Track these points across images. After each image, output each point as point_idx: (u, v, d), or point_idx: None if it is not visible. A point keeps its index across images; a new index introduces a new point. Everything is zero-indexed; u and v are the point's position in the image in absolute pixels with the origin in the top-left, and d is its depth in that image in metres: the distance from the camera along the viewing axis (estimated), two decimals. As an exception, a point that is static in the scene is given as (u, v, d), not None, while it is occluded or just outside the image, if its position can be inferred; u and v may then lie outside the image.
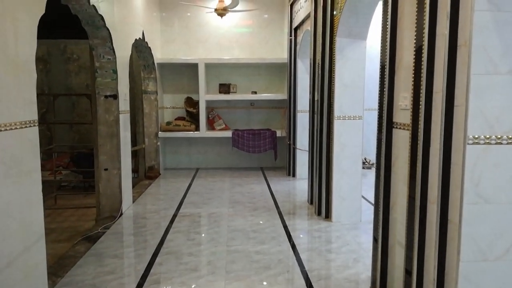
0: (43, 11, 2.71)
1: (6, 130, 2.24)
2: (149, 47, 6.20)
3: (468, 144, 1.89)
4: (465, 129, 1.89)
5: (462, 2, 1.94)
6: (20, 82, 2.43)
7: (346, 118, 4.09)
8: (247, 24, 7.58)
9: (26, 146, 2.45)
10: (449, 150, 1.98)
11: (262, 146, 7.10)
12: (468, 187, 1.91)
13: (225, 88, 7.38)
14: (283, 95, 7.14)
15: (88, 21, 3.91)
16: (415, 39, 2.28)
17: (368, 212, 4.36)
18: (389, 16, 2.62)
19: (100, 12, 3.81)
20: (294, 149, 6.55)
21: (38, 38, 2.68)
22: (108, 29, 4.05)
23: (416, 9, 2.29)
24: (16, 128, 2.34)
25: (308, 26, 5.18)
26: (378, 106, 2.69)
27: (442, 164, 1.99)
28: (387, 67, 2.62)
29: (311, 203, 4.87)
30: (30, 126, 2.50)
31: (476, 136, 1.89)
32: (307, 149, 5.33)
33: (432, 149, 2.12)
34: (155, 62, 6.68)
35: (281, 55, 7.36)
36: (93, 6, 3.65)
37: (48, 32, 3.93)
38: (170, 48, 7.42)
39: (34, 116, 2.56)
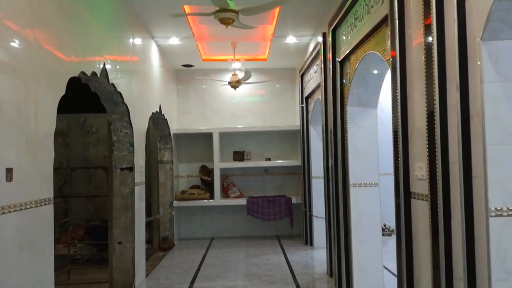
0: (63, 92, 2.84)
1: (21, 210, 2.25)
2: (166, 119, 6.39)
3: (490, 216, 1.82)
4: (486, 201, 1.83)
5: (471, 74, 1.97)
6: (38, 161, 2.49)
7: (362, 186, 4.03)
8: (259, 93, 7.82)
9: (41, 225, 2.45)
10: (472, 222, 1.91)
11: (278, 213, 6.99)
12: (495, 263, 1.80)
13: (239, 155, 7.45)
14: (297, 161, 7.14)
15: (107, 98, 4.08)
16: (426, 107, 2.30)
17: (391, 285, 4.14)
18: (398, 86, 2.67)
19: (119, 90, 3.98)
20: (311, 216, 6.42)
21: (59, 113, 2.79)
22: (126, 105, 4.20)
23: (425, 80, 2.33)
24: (31, 207, 2.35)
25: (319, 95, 5.30)
26: (394, 176, 2.65)
27: (466, 238, 1.90)
28: (399, 133, 2.63)
29: (331, 275, 4.66)
30: (46, 204, 2.51)
31: (499, 208, 1.83)
32: (324, 216, 5.22)
33: (453, 222, 2.04)
34: (171, 132, 6.84)
35: (294, 122, 7.49)
36: (112, 84, 3.83)
37: (68, 107, 4.10)
38: (186, 118, 7.64)
39: (50, 193, 2.59)
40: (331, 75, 4.41)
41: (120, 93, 4.02)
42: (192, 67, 7.54)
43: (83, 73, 3.20)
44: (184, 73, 7.66)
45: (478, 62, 1.90)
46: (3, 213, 2.09)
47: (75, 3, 3.13)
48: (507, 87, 1.88)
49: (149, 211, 6.69)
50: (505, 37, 1.88)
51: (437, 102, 2.17)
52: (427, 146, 2.29)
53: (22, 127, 2.35)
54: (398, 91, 2.66)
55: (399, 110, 2.65)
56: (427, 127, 2.30)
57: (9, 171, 2.10)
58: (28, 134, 2.41)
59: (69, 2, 3.02)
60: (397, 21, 2.67)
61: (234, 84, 6.39)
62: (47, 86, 2.66)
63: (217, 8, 3.50)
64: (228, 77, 6.78)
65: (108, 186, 4.51)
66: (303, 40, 6.07)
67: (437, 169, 2.13)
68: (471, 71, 1.97)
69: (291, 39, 6.05)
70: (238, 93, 7.54)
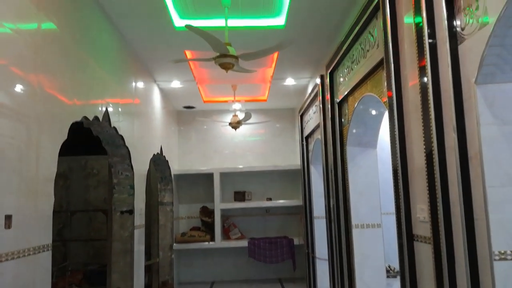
0: (65, 137, 2.87)
1: (19, 257, 2.22)
2: (167, 160, 6.40)
3: (494, 260, 1.79)
4: (489, 244, 1.81)
5: (467, 117, 2.00)
6: (38, 206, 2.48)
7: (365, 227, 3.98)
8: (260, 133, 7.89)
9: (38, 272, 2.41)
10: (476, 266, 1.87)
11: (280, 255, 6.85)
12: (503, 310, 1.76)
13: (240, 196, 7.40)
14: (298, 201, 7.09)
15: (108, 141, 4.11)
16: (424, 147, 2.32)
17: (398, 330, 3.99)
18: (396, 127, 2.70)
19: (120, 133, 4.02)
20: (313, 258, 6.29)
21: (60, 155, 2.80)
22: (127, 148, 4.23)
23: (422, 121, 2.36)
24: (29, 255, 2.32)
25: (319, 135, 5.34)
26: (396, 218, 2.63)
27: (471, 283, 1.86)
28: (399, 173, 2.64)
29: (335, 320, 4.51)
30: (44, 251, 2.48)
31: (502, 251, 1.80)
32: (327, 258, 5.11)
33: (457, 266, 2.00)
34: (172, 173, 6.83)
35: (294, 161, 7.49)
36: (114, 127, 3.87)
37: (70, 150, 4.12)
38: (187, 159, 7.66)
39: (49, 239, 2.56)
40: (330, 116, 4.46)
41: (121, 136, 4.06)
42: (194, 109, 7.65)
43: (85, 117, 3.25)
44: (185, 114, 7.76)
45: (474, 105, 1.93)
46: (0, 261, 2.06)
47: (79, 50, 3.23)
48: (504, 130, 1.90)
49: (148, 254, 6.57)
50: (499, 80, 1.92)
51: (435, 143, 2.19)
52: (427, 187, 2.28)
53: (23, 173, 2.36)
54: (396, 131, 2.69)
55: (398, 150, 2.67)
56: (426, 168, 2.30)
57: (8, 218, 2.09)
58: (29, 179, 2.41)
59: (73, 48, 3.11)
60: (392, 64, 2.74)
61: (235, 125, 6.46)
62: (49, 130, 2.69)
63: (218, 54, 3.60)
64: (229, 117, 6.86)
65: (108, 230, 4.45)
66: (302, 81, 6.19)
67: (438, 212, 2.11)
68: (467, 113, 2.00)
69: (290, 81, 6.17)
70: (239, 132, 7.60)
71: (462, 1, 2.01)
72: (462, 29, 2.01)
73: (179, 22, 4.06)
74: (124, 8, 3.71)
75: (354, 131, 3.97)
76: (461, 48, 2.03)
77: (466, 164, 1.97)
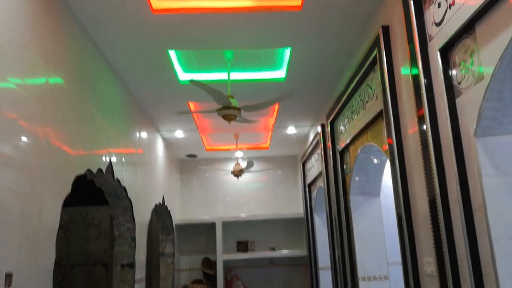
0: (68, 191, 2.88)
1: (16, 317, 2.16)
2: (168, 210, 6.36)
3: (507, 317, 1.73)
4: (501, 301, 1.75)
5: (469, 169, 2.00)
6: (39, 262, 2.44)
7: (372, 279, 3.87)
8: (262, 180, 7.87)
9: (35, 332, 2.33)
10: (489, 324, 1.81)
11: (285, 308, 6.62)
12: None
13: (243, 246, 7.27)
14: (302, 251, 6.94)
15: (111, 193, 4.10)
16: (428, 198, 2.31)
17: None
18: (398, 175, 2.71)
19: (123, 184, 4.03)
20: (319, 311, 6.06)
21: (62, 207, 2.78)
22: (129, 199, 4.22)
23: (424, 170, 2.36)
24: (27, 314, 2.25)
25: (321, 183, 5.33)
26: (403, 272, 2.57)
27: None
28: (404, 224, 2.62)
29: None
30: (42, 309, 2.41)
31: (514, 309, 1.74)
32: (333, 312, 4.93)
33: (469, 324, 1.93)
34: (174, 223, 6.75)
35: (297, 209, 7.42)
36: (117, 179, 3.89)
37: (71, 201, 4.10)
38: (188, 207, 7.60)
39: (48, 296, 2.49)
40: (332, 164, 4.48)
41: (124, 188, 4.06)
42: (196, 157, 7.70)
43: (89, 170, 3.27)
44: (188, 162, 7.79)
45: (474, 157, 1.95)
46: (-2, 321, 2.00)
47: (85, 103, 3.30)
48: (506, 181, 1.90)
49: (149, 309, 6.35)
50: (498, 133, 1.95)
51: (438, 193, 2.18)
52: (433, 237, 2.25)
53: (25, 227, 2.34)
54: (399, 179, 2.70)
55: (401, 198, 2.67)
56: (430, 216, 2.28)
57: (8, 277, 2.05)
58: (30, 234, 2.39)
59: (79, 101, 3.18)
60: (391, 115, 2.79)
61: (237, 173, 6.47)
62: (53, 183, 2.70)
63: (221, 106, 3.68)
64: (231, 165, 6.89)
65: (108, 284, 4.34)
66: (303, 130, 6.26)
67: (446, 266, 2.07)
68: (468, 165, 2.01)
69: (291, 130, 6.25)
70: (241, 180, 7.58)
71: (456, 57, 2.08)
72: (459, 83, 2.07)
73: (183, 75, 4.18)
74: (130, 62, 3.84)
75: (356, 179, 3.97)
76: (459, 101, 2.07)
77: (470, 216, 1.96)
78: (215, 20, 3.13)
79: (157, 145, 5.87)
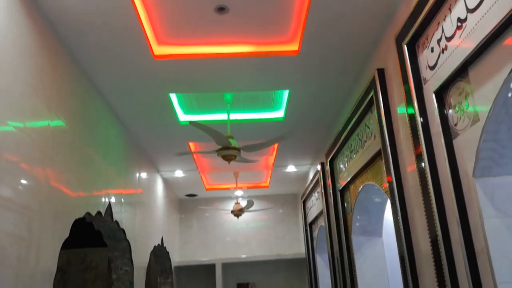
0: (67, 235, 2.85)
1: None
2: (167, 252, 6.25)
3: None
4: None
5: (469, 210, 2.00)
6: (34, 311, 2.38)
7: (376, 323, 3.76)
8: (262, 219, 7.79)
9: None
10: None
11: None
12: None
13: (243, 288, 7.10)
14: (305, 293, 6.77)
15: (110, 235, 4.06)
16: (429, 234, 2.29)
17: None
18: (399, 214, 2.70)
19: (122, 226, 3.99)
20: None
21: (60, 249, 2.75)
22: (128, 241, 4.16)
23: (425, 212, 2.35)
24: None
25: (323, 222, 5.28)
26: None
27: None
28: (406, 260, 2.59)
29: None
30: None
31: None
32: None
33: None
34: (173, 265, 6.62)
35: (299, 249, 7.30)
36: (116, 221, 3.85)
37: (69, 243, 4.03)
38: (188, 248, 7.47)
39: None
40: (332, 203, 4.45)
41: (123, 230, 4.02)
42: (196, 196, 7.65)
43: (88, 213, 3.25)
44: (187, 202, 7.74)
45: (474, 198, 1.95)
46: None
47: (86, 145, 3.33)
48: (508, 223, 1.89)
49: None
50: (497, 174, 1.96)
51: (440, 236, 2.16)
52: (437, 281, 2.22)
53: (21, 271, 2.29)
54: (400, 218, 2.69)
55: (403, 237, 2.65)
56: (433, 260, 2.25)
57: (2, 327, 2.00)
58: (27, 278, 2.34)
59: (80, 144, 3.21)
60: (390, 155, 2.81)
61: (237, 213, 6.42)
62: (52, 226, 2.67)
63: (220, 146, 3.71)
64: (231, 204, 6.84)
65: (104, 330, 4.21)
66: (303, 168, 6.27)
67: (452, 311, 2.02)
68: (468, 206, 2.00)
69: (291, 168, 6.26)
70: (241, 219, 7.51)
71: (451, 99, 2.12)
72: (455, 125, 2.10)
73: (183, 117, 4.24)
74: (131, 106, 3.90)
75: (358, 218, 3.93)
76: (456, 143, 2.10)
77: (474, 258, 1.93)
78: (216, 65, 3.22)
79: (156, 185, 5.85)
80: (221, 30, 2.89)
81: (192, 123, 3.32)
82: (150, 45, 2.93)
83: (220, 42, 3.03)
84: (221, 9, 2.64)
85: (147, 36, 2.83)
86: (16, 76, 2.29)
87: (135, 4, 2.54)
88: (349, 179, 3.91)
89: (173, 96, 3.86)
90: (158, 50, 3.05)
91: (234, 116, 4.22)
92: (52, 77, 2.74)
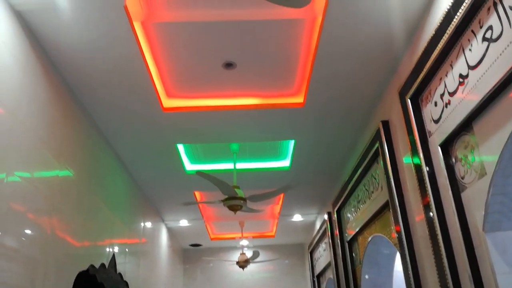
0: (70, 288, 2.79)
1: None
2: (171, 304, 6.07)
3: None
4: None
5: (481, 265, 1.95)
6: None
7: None
8: (268, 269, 7.59)
9: None
10: None
11: None
12: None
13: None
14: None
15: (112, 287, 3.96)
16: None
17: None
18: (409, 267, 2.63)
19: (125, 278, 3.90)
20: None
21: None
22: (130, 294, 4.06)
23: (436, 267, 2.30)
24: None
25: (331, 274, 5.13)
26: None
27: None
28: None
29: None
30: None
31: None
32: None
33: None
34: (176, 318, 6.41)
35: (306, 302, 7.06)
36: (120, 274, 3.78)
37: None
38: (191, 301, 7.25)
39: None
40: (340, 254, 4.35)
41: (126, 282, 3.93)
42: (200, 246, 7.52)
43: (92, 266, 3.20)
44: (191, 252, 7.60)
45: (486, 253, 1.91)
46: None
47: (92, 195, 3.33)
48: (521, 281, 1.84)
49: None
50: (507, 228, 1.93)
51: (452, 290, 2.10)
52: None
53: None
54: (410, 271, 2.62)
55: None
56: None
57: None
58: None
59: (87, 193, 3.21)
60: (398, 205, 2.79)
61: (242, 264, 6.27)
62: (54, 279, 2.61)
63: (226, 196, 3.70)
64: (236, 255, 6.70)
65: None
66: (309, 217, 6.20)
67: None
68: (480, 261, 1.96)
69: (297, 217, 6.18)
70: (247, 270, 7.31)
71: (457, 152, 2.14)
72: (462, 178, 2.10)
73: (190, 166, 4.27)
74: (139, 156, 3.94)
75: (367, 270, 3.83)
76: (464, 196, 2.08)
77: (490, 317, 1.86)
78: (223, 117, 3.28)
79: (161, 234, 5.78)
80: (229, 84, 2.98)
81: (199, 173, 3.34)
82: (160, 98, 3.02)
83: (227, 95, 3.12)
84: (228, 65, 2.74)
85: (157, 91, 2.92)
86: (28, 129, 2.35)
87: (147, 63, 2.64)
88: (357, 229, 3.85)
89: (180, 146, 3.91)
90: (167, 103, 3.13)
91: (240, 165, 4.24)
92: (63, 128, 2.80)
